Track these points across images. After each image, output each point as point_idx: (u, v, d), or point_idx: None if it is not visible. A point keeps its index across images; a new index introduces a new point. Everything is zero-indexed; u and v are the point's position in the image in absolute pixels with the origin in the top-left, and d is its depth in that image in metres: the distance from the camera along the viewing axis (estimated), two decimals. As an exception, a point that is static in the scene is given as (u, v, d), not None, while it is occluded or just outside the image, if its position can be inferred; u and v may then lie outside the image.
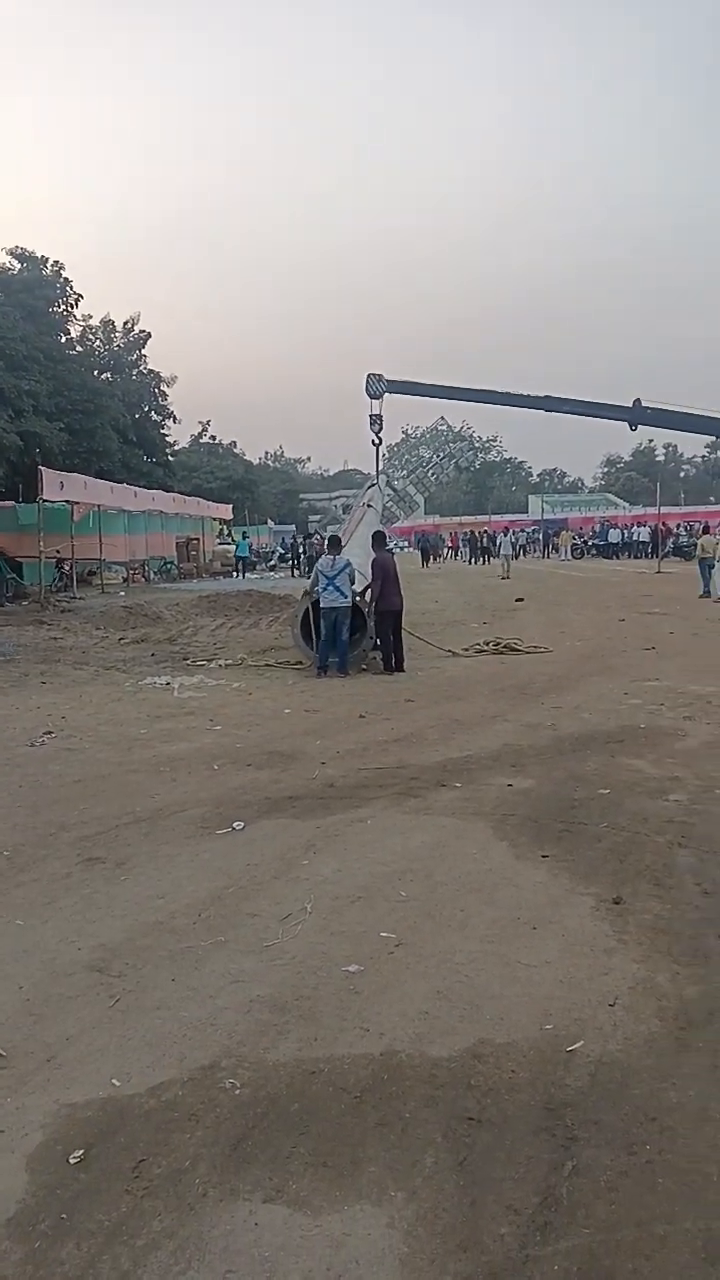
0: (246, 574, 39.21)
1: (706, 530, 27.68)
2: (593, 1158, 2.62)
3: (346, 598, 12.03)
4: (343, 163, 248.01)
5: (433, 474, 37.36)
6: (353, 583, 12.26)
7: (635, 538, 51.19)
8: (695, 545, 26.59)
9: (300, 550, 39.30)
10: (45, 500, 23.70)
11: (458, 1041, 3.24)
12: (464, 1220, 2.41)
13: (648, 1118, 2.80)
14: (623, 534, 52.98)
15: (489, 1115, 2.83)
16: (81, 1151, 2.72)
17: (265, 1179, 2.58)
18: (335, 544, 13.10)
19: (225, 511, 48.51)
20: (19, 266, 40.79)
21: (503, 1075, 3.03)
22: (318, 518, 68.62)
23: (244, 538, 45.10)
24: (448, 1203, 2.47)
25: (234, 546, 43.17)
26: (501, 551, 37.98)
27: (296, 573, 36.84)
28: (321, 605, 12.12)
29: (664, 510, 50.01)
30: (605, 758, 7.23)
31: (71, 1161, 2.68)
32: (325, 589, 12.05)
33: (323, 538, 15.77)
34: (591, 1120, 2.79)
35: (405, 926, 4.21)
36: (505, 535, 44.20)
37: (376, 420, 33.14)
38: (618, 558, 49.45)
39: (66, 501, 25.56)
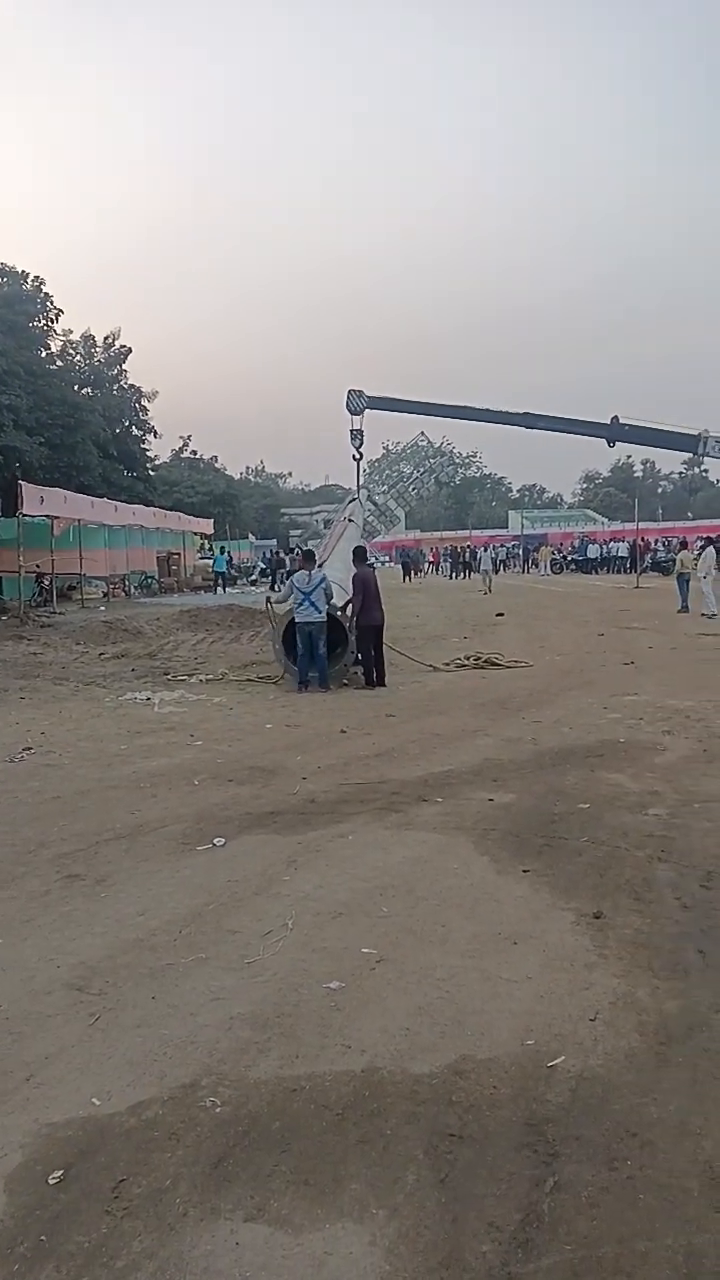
0: (226, 588, 38.63)
1: (684, 546, 27.92)
2: (574, 1173, 2.63)
3: (321, 613, 12.05)
4: (326, 178, 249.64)
5: (413, 489, 37.43)
6: (330, 598, 12.28)
7: (614, 553, 51.53)
8: (673, 560, 26.85)
9: (284, 564, 39.12)
10: (25, 515, 23.60)
11: (439, 1058, 3.24)
12: (445, 1237, 2.40)
13: (628, 1133, 2.80)
14: (601, 549, 53.34)
15: (470, 1131, 2.83)
16: (61, 1172, 2.69)
17: (246, 1198, 2.57)
18: (310, 558, 13.07)
19: (206, 526, 48.45)
20: (-1, 281, 40.76)
21: (484, 1091, 3.03)
22: (299, 532, 68.66)
23: (221, 552, 44.14)
24: (429, 1220, 2.47)
25: (213, 561, 42.92)
26: (482, 566, 37.95)
27: (279, 587, 36.71)
28: (297, 621, 12.14)
29: (642, 526, 50.39)
30: (585, 772, 7.26)
31: (51, 1182, 2.65)
32: (301, 604, 12.06)
33: (301, 551, 15.69)
34: (573, 1136, 2.79)
35: (386, 942, 4.20)
36: (486, 550, 43.97)
37: (357, 435, 33.29)
38: (596, 573, 49.79)
39: (46, 516, 25.48)
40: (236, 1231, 2.44)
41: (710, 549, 21.08)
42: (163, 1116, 2.95)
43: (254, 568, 47.47)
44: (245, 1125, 2.89)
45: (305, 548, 15.35)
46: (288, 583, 12.86)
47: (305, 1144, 2.79)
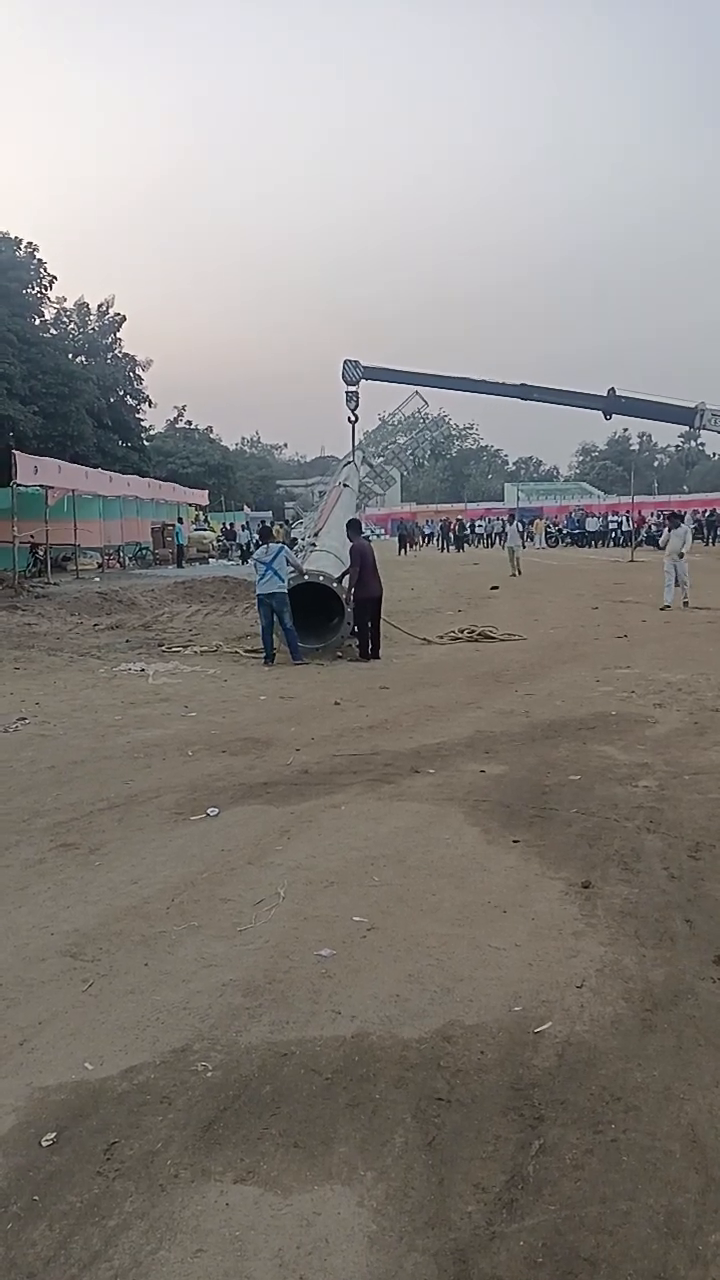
0: (183, 564, 36.08)
1: (681, 520, 27.44)
2: (559, 1137, 2.67)
3: (284, 582, 12.08)
4: (321, 144, 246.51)
5: (409, 452, 37.28)
6: (290, 566, 12.34)
7: (609, 526, 51.35)
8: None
9: (235, 535, 37.81)
10: (19, 484, 23.47)
11: (428, 1023, 3.28)
12: (432, 1198, 2.45)
13: (613, 1097, 2.85)
14: (600, 522, 53.16)
15: (458, 1096, 2.87)
16: (54, 1134, 2.73)
17: (237, 1160, 2.61)
18: (267, 535, 13.74)
19: (201, 497, 48.16)
20: (-8, 247, 40.23)
21: (472, 1056, 3.08)
22: (294, 504, 68.47)
23: (181, 522, 40.54)
24: (417, 1181, 2.51)
25: (208, 533, 42.16)
26: (509, 542, 29.98)
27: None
28: (259, 593, 12.18)
29: (638, 499, 50.27)
30: (577, 744, 7.30)
31: (44, 1144, 2.69)
32: (264, 576, 12.07)
33: (262, 526, 16.32)
34: (558, 1100, 2.84)
35: (377, 911, 4.24)
36: (512, 523, 34.22)
37: (353, 397, 33.09)
38: (592, 546, 49.73)
39: (41, 486, 25.32)
40: (226, 1192, 2.48)
41: (683, 527, 18.24)
42: (154, 1080, 2.99)
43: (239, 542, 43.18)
44: (236, 1089, 2.93)
45: (266, 525, 16.08)
46: (252, 560, 13.15)
47: (295, 1108, 2.83)
